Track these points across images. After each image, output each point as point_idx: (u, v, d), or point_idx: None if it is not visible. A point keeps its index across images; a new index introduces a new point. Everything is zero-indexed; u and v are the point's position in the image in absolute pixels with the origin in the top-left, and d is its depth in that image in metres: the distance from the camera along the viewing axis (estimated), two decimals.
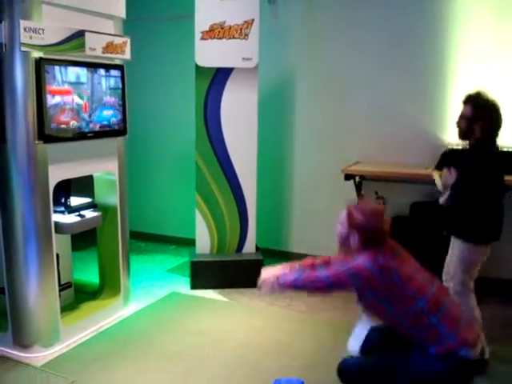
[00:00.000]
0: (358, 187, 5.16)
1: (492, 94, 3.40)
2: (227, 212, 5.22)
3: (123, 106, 4.17)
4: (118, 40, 4.07)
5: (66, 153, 3.74)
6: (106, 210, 4.31)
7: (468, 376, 2.54)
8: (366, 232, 2.57)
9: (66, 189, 3.96)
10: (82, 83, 3.77)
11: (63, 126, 3.62)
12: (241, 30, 4.91)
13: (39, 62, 3.41)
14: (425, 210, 4.80)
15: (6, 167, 3.50)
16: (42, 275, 3.66)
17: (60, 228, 3.82)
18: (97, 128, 3.93)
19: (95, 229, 4.36)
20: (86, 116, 3.81)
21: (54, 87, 3.52)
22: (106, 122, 4.01)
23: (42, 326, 3.74)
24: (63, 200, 3.97)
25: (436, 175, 3.65)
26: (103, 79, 3.97)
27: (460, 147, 4.35)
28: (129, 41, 4.19)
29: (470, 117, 3.34)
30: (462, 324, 2.51)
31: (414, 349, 2.52)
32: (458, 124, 3.45)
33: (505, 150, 4.61)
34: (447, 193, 3.41)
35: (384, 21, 5.22)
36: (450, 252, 3.54)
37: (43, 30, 3.41)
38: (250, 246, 5.31)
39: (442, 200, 3.45)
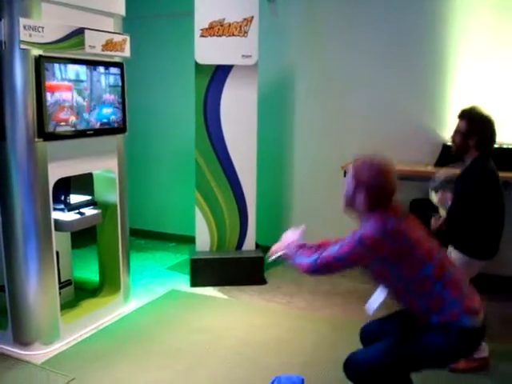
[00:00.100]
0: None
1: (486, 108, 3.42)
2: (227, 209, 5.23)
3: (123, 103, 4.17)
4: (117, 38, 4.06)
5: (66, 150, 3.74)
6: (105, 208, 4.31)
7: (470, 346, 2.49)
8: (373, 190, 2.44)
9: (65, 186, 3.97)
10: (82, 81, 3.77)
11: (63, 123, 3.62)
12: (240, 27, 4.90)
13: (39, 60, 3.40)
14: (424, 207, 4.79)
15: (6, 165, 3.50)
16: (42, 273, 3.66)
17: (60, 226, 3.82)
18: (96, 126, 3.93)
19: (95, 226, 4.36)
20: (85, 114, 3.81)
21: (53, 85, 3.52)
22: (105, 120, 4.01)
23: (42, 324, 3.74)
24: (63, 198, 3.98)
25: (433, 195, 3.66)
26: (103, 77, 3.97)
27: None
28: (128, 38, 4.18)
29: (464, 132, 3.36)
30: (466, 291, 2.45)
31: (414, 328, 2.49)
32: (453, 139, 3.48)
33: (504, 147, 4.64)
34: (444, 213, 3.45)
35: (384, 19, 5.22)
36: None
37: (43, 27, 3.40)
38: (249, 244, 5.31)
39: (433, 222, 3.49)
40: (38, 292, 3.67)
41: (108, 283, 4.49)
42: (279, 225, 6.04)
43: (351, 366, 2.56)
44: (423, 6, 5.05)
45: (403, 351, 2.47)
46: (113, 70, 4.05)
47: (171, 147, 6.44)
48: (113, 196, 4.31)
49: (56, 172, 3.67)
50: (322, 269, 2.49)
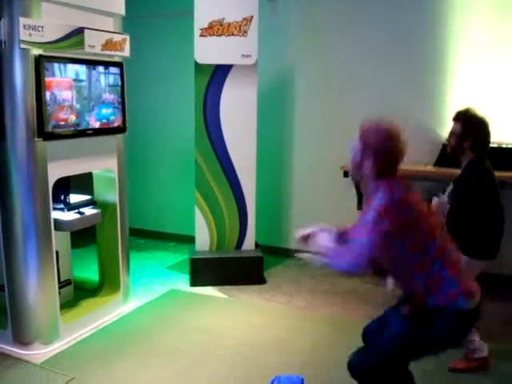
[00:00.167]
0: (357, 184, 5.16)
1: (482, 109, 3.42)
2: (227, 209, 5.23)
3: (122, 103, 4.17)
4: (117, 37, 4.06)
5: (66, 150, 3.74)
6: (105, 207, 4.31)
7: (465, 328, 2.48)
8: (381, 155, 2.40)
9: (65, 186, 3.96)
10: (82, 80, 3.77)
11: (62, 123, 3.62)
12: (240, 26, 4.90)
13: (38, 59, 3.40)
14: None
15: (6, 164, 3.50)
16: (42, 272, 3.66)
17: (59, 225, 3.82)
18: (96, 125, 3.93)
19: (95, 226, 4.36)
20: (85, 113, 3.81)
21: (53, 84, 3.52)
22: (105, 120, 4.01)
23: (41, 324, 3.74)
24: (63, 197, 3.98)
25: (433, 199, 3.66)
26: (102, 76, 3.97)
27: None
28: (128, 38, 4.18)
29: (459, 134, 3.38)
30: (464, 274, 2.42)
31: (410, 317, 2.46)
32: (448, 141, 3.50)
33: (503, 146, 4.64)
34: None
35: (384, 18, 5.22)
36: None
37: (42, 27, 3.40)
38: (249, 243, 5.31)
39: None
40: (38, 291, 3.67)
41: (108, 283, 4.49)
42: (279, 224, 6.05)
43: (356, 364, 2.54)
44: (423, 5, 5.05)
45: (403, 340, 2.44)
46: (112, 69, 4.05)
47: (171, 147, 6.44)
48: (112, 195, 4.31)
49: (56, 171, 3.67)
50: (358, 265, 2.36)
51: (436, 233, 2.38)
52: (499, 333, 4.02)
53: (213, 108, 5.04)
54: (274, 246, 5.99)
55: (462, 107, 3.49)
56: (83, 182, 4.36)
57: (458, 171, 3.49)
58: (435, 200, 3.51)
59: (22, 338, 3.72)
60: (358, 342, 2.82)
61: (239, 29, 4.90)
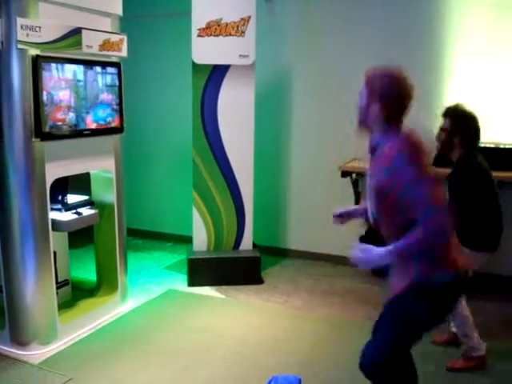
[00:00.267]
0: (355, 184, 5.17)
1: (470, 106, 3.44)
2: (224, 209, 5.23)
3: (120, 103, 4.17)
4: (114, 37, 4.06)
5: (63, 150, 3.74)
6: (103, 208, 4.31)
7: (450, 299, 2.42)
8: (388, 99, 2.33)
9: (63, 186, 3.96)
10: (79, 81, 3.77)
11: (60, 123, 3.62)
12: (237, 27, 4.91)
13: (36, 60, 3.40)
14: None
15: (3, 165, 3.50)
16: (40, 273, 3.66)
17: (57, 225, 3.82)
18: (94, 125, 3.93)
19: (92, 226, 4.36)
20: (83, 114, 3.81)
21: (50, 84, 3.52)
22: (102, 120, 4.01)
23: (39, 324, 3.74)
24: (60, 197, 3.98)
25: None
26: (100, 77, 3.97)
27: None
28: (125, 38, 4.18)
29: (449, 130, 3.40)
30: (454, 247, 2.35)
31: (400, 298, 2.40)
32: (438, 137, 3.51)
33: (501, 147, 4.65)
34: None
35: (381, 18, 5.22)
36: None
37: (40, 27, 3.40)
38: (247, 243, 5.31)
39: None
40: (36, 292, 3.67)
41: (105, 283, 4.49)
42: (276, 224, 6.05)
43: (367, 362, 2.50)
44: (420, 6, 5.06)
45: (399, 319, 2.40)
46: (110, 69, 4.05)
47: (168, 147, 6.44)
48: (110, 196, 4.31)
49: (53, 172, 3.66)
50: (432, 229, 2.16)
51: (440, 201, 2.23)
52: (498, 332, 4.03)
53: (210, 108, 5.04)
54: (272, 246, 6.00)
55: (451, 103, 3.51)
56: (81, 183, 4.35)
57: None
58: None
59: (19, 339, 3.71)
60: (357, 342, 2.82)
61: (237, 29, 4.90)
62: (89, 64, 3.84)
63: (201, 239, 5.26)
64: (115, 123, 4.14)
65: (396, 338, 2.41)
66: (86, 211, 4.10)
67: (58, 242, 4.07)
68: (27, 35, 3.33)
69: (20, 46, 3.32)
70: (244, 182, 5.19)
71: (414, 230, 2.18)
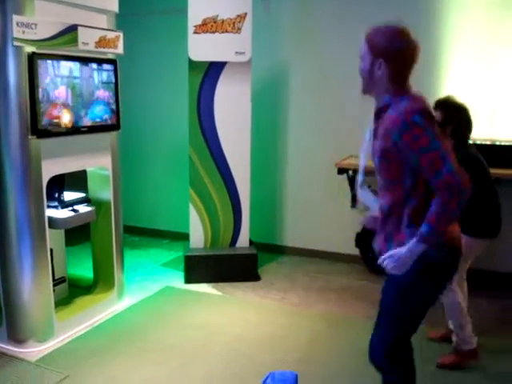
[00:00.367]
0: (351, 181, 5.17)
1: (461, 98, 3.46)
2: (221, 206, 5.23)
3: (116, 100, 4.16)
4: (110, 34, 4.05)
5: (60, 148, 3.73)
6: (99, 205, 4.31)
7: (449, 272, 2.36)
8: (393, 55, 2.20)
9: (59, 184, 3.96)
10: (75, 78, 3.76)
11: (56, 120, 3.62)
12: (233, 23, 4.90)
13: (32, 57, 3.39)
14: None
15: (0, 162, 3.50)
16: (36, 270, 3.66)
17: (54, 223, 3.82)
18: (90, 123, 3.92)
19: (89, 224, 4.36)
20: (79, 111, 3.80)
21: (46, 82, 3.51)
22: (99, 117, 4.00)
23: (36, 321, 3.74)
24: (57, 195, 3.97)
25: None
26: (96, 74, 3.96)
27: None
28: (122, 35, 4.17)
29: (440, 121, 3.40)
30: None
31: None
32: None
33: (497, 143, 4.66)
34: None
35: (377, 17, 5.19)
36: None
37: (36, 24, 3.39)
38: (243, 240, 5.32)
39: None
40: (33, 289, 3.67)
41: (102, 280, 4.49)
42: (273, 221, 6.06)
43: (374, 355, 2.46)
44: (417, 5, 5.06)
45: (400, 295, 2.35)
46: (106, 66, 4.04)
47: (165, 144, 6.44)
48: (107, 193, 4.31)
49: (50, 169, 3.66)
50: (454, 184, 2.05)
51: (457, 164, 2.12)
52: (492, 328, 4.05)
53: (207, 105, 5.04)
54: (269, 243, 6.01)
55: (441, 96, 3.52)
56: (77, 180, 4.35)
57: None
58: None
59: (16, 336, 3.72)
60: (353, 339, 2.84)
61: (233, 26, 4.89)
62: (85, 61, 3.83)
63: (197, 236, 5.26)
64: (111, 120, 4.14)
65: (399, 321, 2.38)
66: (83, 208, 4.10)
67: (54, 239, 4.06)
68: (23, 32, 3.33)
69: (16, 44, 3.31)
70: (241, 179, 5.19)
71: (431, 205, 2.09)
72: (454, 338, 3.51)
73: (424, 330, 3.28)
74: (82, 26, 3.75)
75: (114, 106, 4.14)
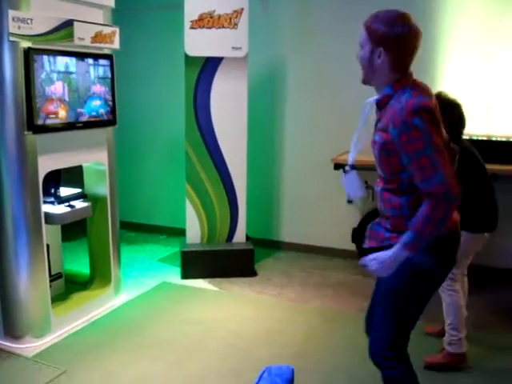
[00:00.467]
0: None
1: (456, 94, 3.43)
2: (217, 202, 5.23)
3: (112, 95, 4.16)
4: (106, 30, 4.04)
5: (56, 143, 3.72)
6: (96, 201, 4.30)
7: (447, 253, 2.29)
8: (393, 42, 2.12)
9: (55, 179, 3.95)
10: (71, 73, 3.75)
11: (52, 116, 3.61)
12: (230, 19, 4.89)
13: (28, 52, 3.38)
14: None
15: None
16: (33, 266, 3.66)
17: (50, 218, 3.81)
18: (86, 118, 3.92)
19: (85, 219, 4.35)
20: (75, 106, 3.80)
21: (42, 77, 3.50)
22: (95, 112, 4.00)
23: (33, 317, 3.74)
24: (53, 190, 3.97)
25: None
26: (92, 69, 3.95)
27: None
28: (118, 30, 4.16)
29: None
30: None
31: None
32: None
33: (493, 139, 4.67)
34: None
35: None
36: None
37: (32, 19, 3.38)
38: (240, 236, 5.32)
39: None
40: (29, 285, 3.67)
41: (99, 276, 4.49)
42: (269, 217, 6.06)
43: (374, 353, 2.43)
44: (414, 4, 5.05)
45: (396, 298, 2.32)
46: (102, 62, 4.03)
47: (161, 139, 6.43)
48: (103, 189, 4.30)
49: (46, 165, 3.65)
50: (442, 194, 2.02)
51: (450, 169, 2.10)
52: (488, 323, 4.07)
53: (203, 100, 5.03)
54: (265, 238, 6.01)
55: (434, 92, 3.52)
56: (73, 175, 4.34)
57: None
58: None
59: (13, 332, 3.72)
60: (349, 333, 2.85)
61: (230, 21, 4.88)
62: (81, 56, 3.82)
63: (194, 232, 5.26)
64: (108, 116, 4.13)
65: (396, 322, 2.36)
66: (79, 204, 4.10)
67: (51, 235, 4.06)
68: (19, 27, 3.31)
69: (12, 39, 3.30)
70: (237, 175, 5.19)
71: (418, 211, 2.06)
72: (445, 338, 3.50)
73: (421, 325, 3.28)
74: (77, 21, 3.74)
75: (110, 102, 4.13)
